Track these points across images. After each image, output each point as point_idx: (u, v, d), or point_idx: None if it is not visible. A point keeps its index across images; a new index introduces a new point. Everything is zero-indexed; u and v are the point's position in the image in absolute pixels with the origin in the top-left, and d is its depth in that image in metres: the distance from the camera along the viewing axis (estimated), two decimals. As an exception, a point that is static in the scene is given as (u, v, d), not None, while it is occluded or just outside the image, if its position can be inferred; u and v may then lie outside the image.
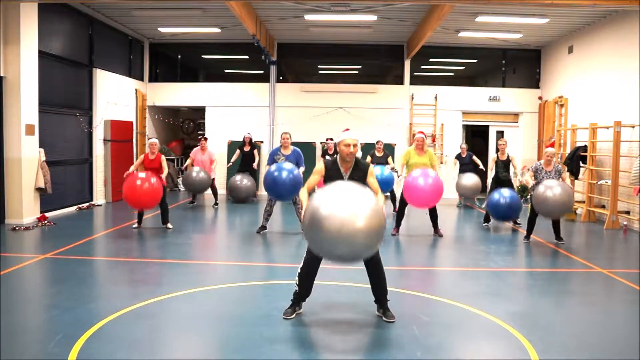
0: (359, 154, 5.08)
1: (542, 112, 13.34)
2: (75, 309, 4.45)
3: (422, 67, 14.10)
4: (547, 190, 7.10)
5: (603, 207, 9.92)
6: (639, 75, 9.13)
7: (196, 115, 16.12)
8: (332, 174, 4.34)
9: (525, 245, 7.64)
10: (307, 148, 13.27)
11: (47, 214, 9.04)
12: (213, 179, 11.25)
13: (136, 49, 13.44)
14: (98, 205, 11.05)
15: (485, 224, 9.12)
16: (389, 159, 10.50)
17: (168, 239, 7.65)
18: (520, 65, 14.11)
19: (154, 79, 14.15)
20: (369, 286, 4.35)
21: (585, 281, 5.87)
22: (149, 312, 4.45)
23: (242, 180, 11.25)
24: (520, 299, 5.13)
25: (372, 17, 10.47)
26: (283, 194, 7.42)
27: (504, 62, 13.92)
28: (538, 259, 6.91)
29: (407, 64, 13.77)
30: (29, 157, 8.67)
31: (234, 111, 13.83)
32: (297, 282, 4.35)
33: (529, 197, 8.05)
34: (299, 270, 4.35)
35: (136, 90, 13.29)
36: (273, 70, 13.76)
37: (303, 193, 4.26)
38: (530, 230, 7.77)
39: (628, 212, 9.35)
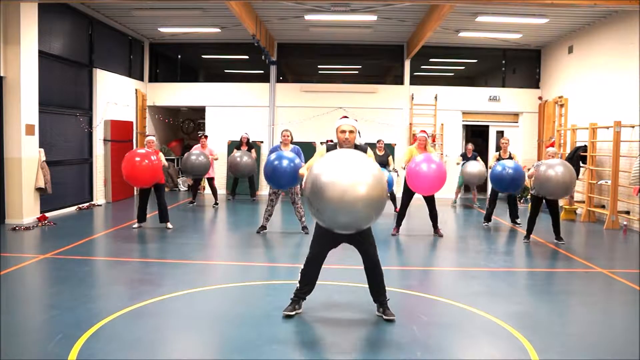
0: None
1: (542, 112, 13.34)
2: (75, 309, 4.45)
3: (422, 67, 14.10)
4: (549, 169, 7.05)
5: (603, 207, 9.92)
6: (639, 75, 9.13)
7: (196, 115, 16.12)
8: None
9: (525, 245, 7.63)
10: (307, 148, 13.28)
11: (47, 214, 9.04)
12: (213, 179, 11.26)
13: (136, 49, 13.44)
14: (98, 205, 11.05)
15: (485, 223, 9.12)
16: (390, 159, 10.51)
17: (168, 239, 7.65)
18: (520, 65, 14.11)
19: (154, 79, 14.16)
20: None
21: (585, 281, 5.86)
22: (149, 312, 4.45)
23: (242, 157, 10.79)
24: (520, 299, 5.12)
25: (372, 17, 10.47)
26: (283, 183, 7.22)
27: (504, 62, 13.92)
28: (538, 259, 6.91)
29: (407, 64, 13.77)
30: (29, 157, 8.67)
31: (234, 111, 13.83)
32: (300, 279, 4.35)
33: (529, 197, 8.04)
34: (302, 267, 4.35)
35: (136, 90, 13.29)
36: (273, 70, 13.76)
37: (303, 170, 4.25)
38: (530, 230, 7.76)
39: (628, 212, 9.35)
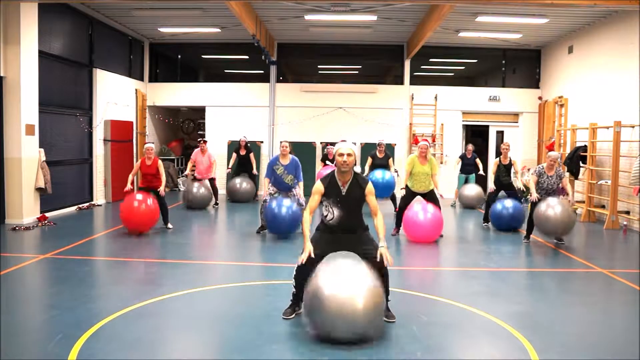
0: (358, 156, 5.02)
1: (542, 112, 13.34)
2: (75, 309, 4.45)
3: (422, 67, 14.10)
4: (548, 209, 7.10)
5: (603, 207, 9.92)
6: (639, 75, 9.13)
7: (196, 115, 16.12)
8: (330, 190, 4.25)
9: (525, 245, 7.64)
10: (307, 148, 13.29)
11: (47, 214, 9.05)
12: (214, 179, 11.26)
13: (136, 49, 13.44)
14: (98, 205, 11.05)
15: (485, 223, 9.12)
16: (390, 161, 10.40)
17: (168, 239, 7.65)
18: (520, 65, 14.11)
19: (154, 79, 14.15)
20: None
21: (585, 281, 5.87)
22: (149, 312, 4.45)
23: (242, 184, 11.54)
24: (520, 299, 5.13)
25: (372, 17, 10.47)
26: (283, 229, 7.65)
27: (503, 62, 13.92)
28: (538, 259, 6.91)
29: (407, 64, 13.77)
30: (29, 157, 8.67)
31: (234, 111, 13.83)
32: (294, 284, 4.34)
33: (528, 197, 8.05)
34: (294, 272, 4.33)
35: (136, 90, 13.29)
36: (273, 70, 13.76)
37: (306, 217, 4.24)
38: (530, 230, 7.76)
39: (628, 212, 9.35)
